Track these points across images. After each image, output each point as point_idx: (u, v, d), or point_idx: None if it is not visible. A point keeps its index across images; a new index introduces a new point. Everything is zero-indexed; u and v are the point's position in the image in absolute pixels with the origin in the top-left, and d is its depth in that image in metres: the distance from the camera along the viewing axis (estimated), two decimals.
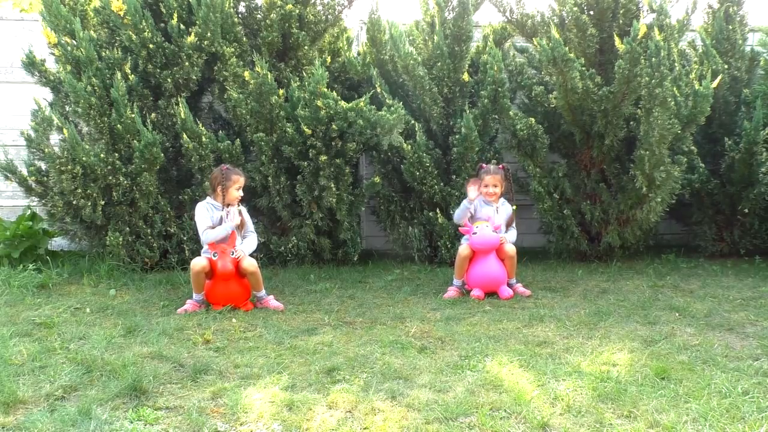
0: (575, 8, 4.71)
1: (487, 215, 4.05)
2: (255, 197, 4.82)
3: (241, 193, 3.82)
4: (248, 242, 3.86)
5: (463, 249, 4.00)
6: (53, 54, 4.62)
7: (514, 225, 4.16)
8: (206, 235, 3.70)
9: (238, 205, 3.84)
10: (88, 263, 4.62)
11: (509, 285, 4.08)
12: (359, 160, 5.23)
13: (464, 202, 4.09)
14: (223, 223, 3.73)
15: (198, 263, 3.63)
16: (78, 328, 3.29)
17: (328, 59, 5.07)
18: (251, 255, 3.80)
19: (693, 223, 5.34)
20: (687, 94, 4.56)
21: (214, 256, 3.63)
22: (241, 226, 3.84)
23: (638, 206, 4.73)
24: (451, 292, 4.03)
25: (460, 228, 4.12)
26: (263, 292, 3.79)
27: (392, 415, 2.25)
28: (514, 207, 4.16)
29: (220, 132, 4.75)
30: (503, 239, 4.02)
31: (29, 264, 4.43)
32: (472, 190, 4.04)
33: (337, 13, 4.99)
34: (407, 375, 2.64)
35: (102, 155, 4.37)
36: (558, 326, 3.33)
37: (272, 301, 3.79)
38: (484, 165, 4.18)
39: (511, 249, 4.02)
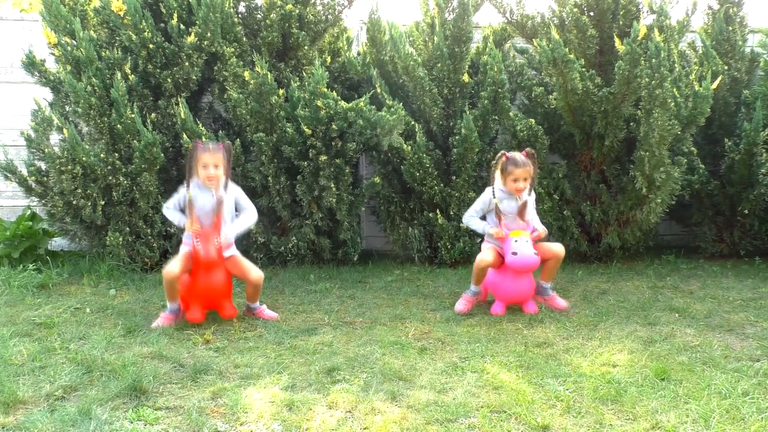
0: (575, 9, 4.72)
1: (512, 209, 3.58)
2: (255, 197, 4.81)
3: (211, 172, 3.38)
4: (240, 219, 3.52)
5: (487, 256, 3.51)
6: (53, 54, 4.61)
7: (535, 213, 3.73)
8: (165, 210, 3.54)
9: (225, 187, 3.46)
10: (88, 263, 4.62)
11: (544, 293, 3.67)
12: (359, 160, 5.23)
13: (477, 214, 3.68)
14: (210, 202, 3.39)
15: (171, 271, 3.26)
16: (78, 328, 3.29)
17: (328, 59, 5.07)
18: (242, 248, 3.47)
19: (693, 224, 5.34)
20: (687, 95, 4.57)
21: (197, 244, 3.27)
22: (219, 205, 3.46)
23: (638, 207, 4.73)
24: (465, 304, 3.62)
25: (491, 235, 3.59)
26: (257, 303, 3.55)
27: (392, 416, 2.25)
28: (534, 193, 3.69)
29: (220, 132, 4.75)
30: (542, 233, 3.58)
31: (29, 264, 4.43)
32: (493, 229, 3.56)
33: (337, 13, 5.00)
34: (407, 375, 2.64)
35: (102, 155, 4.37)
36: (558, 327, 3.33)
37: (266, 311, 3.56)
38: (507, 155, 3.55)
39: (560, 249, 3.55)
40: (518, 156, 3.53)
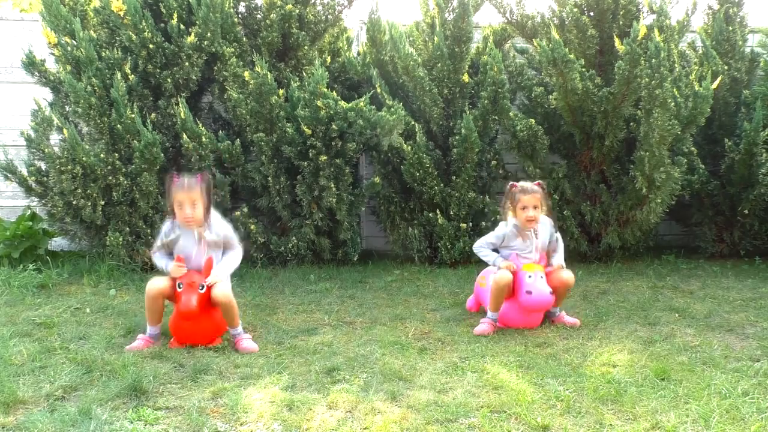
0: (575, 9, 4.72)
1: (526, 246, 3.36)
2: (255, 197, 4.82)
3: (187, 213, 2.96)
4: (227, 261, 3.09)
5: (504, 276, 3.21)
6: (53, 54, 4.61)
7: (561, 250, 3.47)
8: (153, 256, 3.13)
9: (207, 226, 3.04)
10: (88, 263, 4.62)
11: (552, 314, 3.44)
12: (359, 160, 5.24)
13: (490, 246, 3.43)
14: (190, 246, 3.03)
15: (154, 286, 2.92)
16: (78, 328, 3.29)
17: (328, 59, 5.07)
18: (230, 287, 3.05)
19: (693, 224, 5.34)
20: (687, 95, 4.57)
21: (179, 287, 2.93)
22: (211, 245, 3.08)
23: (638, 207, 4.73)
24: (486, 326, 3.28)
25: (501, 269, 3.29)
26: (239, 329, 3.04)
27: (392, 416, 2.25)
28: (557, 233, 3.48)
29: (220, 132, 4.75)
30: (556, 268, 3.35)
31: (29, 264, 4.43)
32: (504, 263, 3.29)
33: (337, 13, 5.00)
34: (407, 375, 2.64)
35: (102, 155, 4.37)
36: (558, 327, 3.33)
37: (244, 343, 2.99)
38: (516, 184, 3.38)
39: (570, 276, 3.32)
40: (527, 184, 3.37)
